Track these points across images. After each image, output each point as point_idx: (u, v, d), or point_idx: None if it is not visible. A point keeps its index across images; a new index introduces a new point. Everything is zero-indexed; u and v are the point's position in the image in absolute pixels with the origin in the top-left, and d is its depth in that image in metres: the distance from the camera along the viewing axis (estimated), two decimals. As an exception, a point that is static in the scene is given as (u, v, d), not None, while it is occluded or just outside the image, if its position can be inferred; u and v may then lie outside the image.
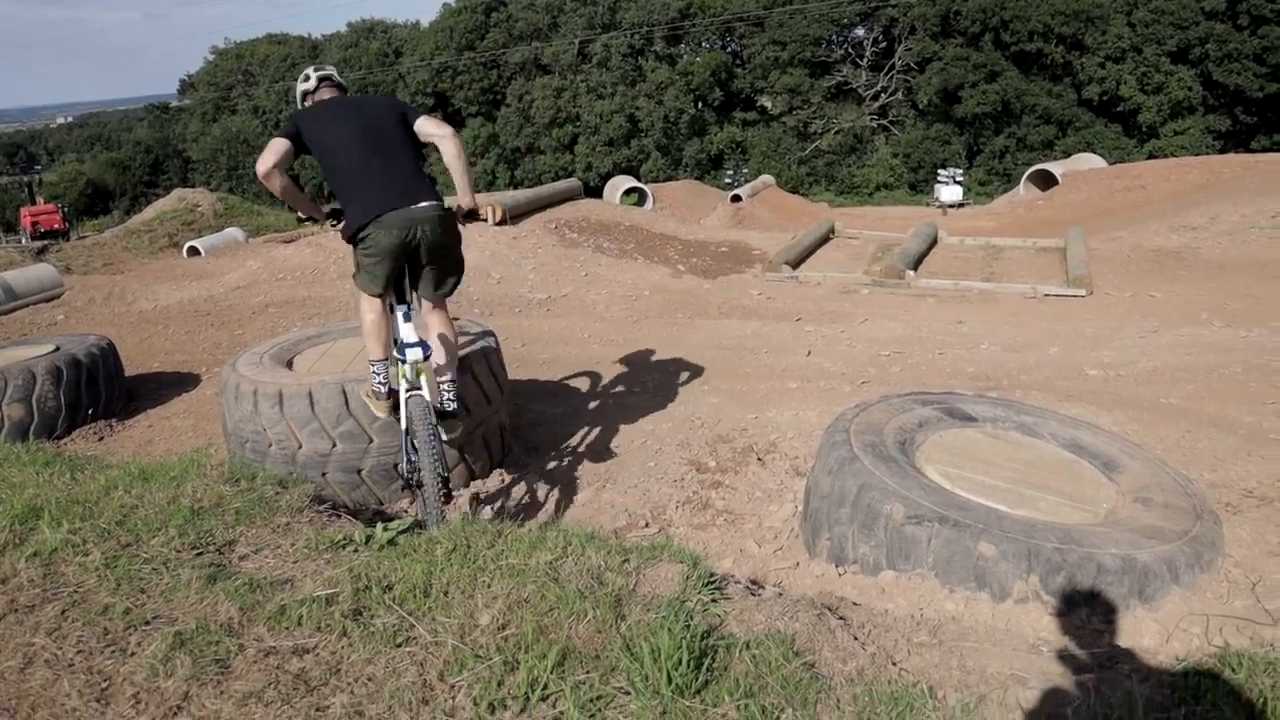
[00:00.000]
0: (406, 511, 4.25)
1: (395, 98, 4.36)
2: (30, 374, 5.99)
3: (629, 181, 25.39)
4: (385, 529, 2.88)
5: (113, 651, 2.30)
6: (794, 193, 41.54)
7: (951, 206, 39.12)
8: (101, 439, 6.15)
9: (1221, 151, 44.65)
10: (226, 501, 3.13)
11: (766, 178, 25.91)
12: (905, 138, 52.72)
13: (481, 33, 58.04)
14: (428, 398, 3.78)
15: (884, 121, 55.08)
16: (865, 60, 54.65)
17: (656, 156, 54.05)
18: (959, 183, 42.33)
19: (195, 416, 6.34)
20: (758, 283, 10.91)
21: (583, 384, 6.16)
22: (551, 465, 4.78)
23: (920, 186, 50.26)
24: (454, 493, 3.93)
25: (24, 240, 24.78)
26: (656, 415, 5.38)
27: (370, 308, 3.97)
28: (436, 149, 4.08)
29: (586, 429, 5.26)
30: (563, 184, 15.54)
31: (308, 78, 4.29)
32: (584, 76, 56.35)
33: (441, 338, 4.05)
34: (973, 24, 49.01)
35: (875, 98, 55.21)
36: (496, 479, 4.61)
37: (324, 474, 4.15)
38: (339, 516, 3.22)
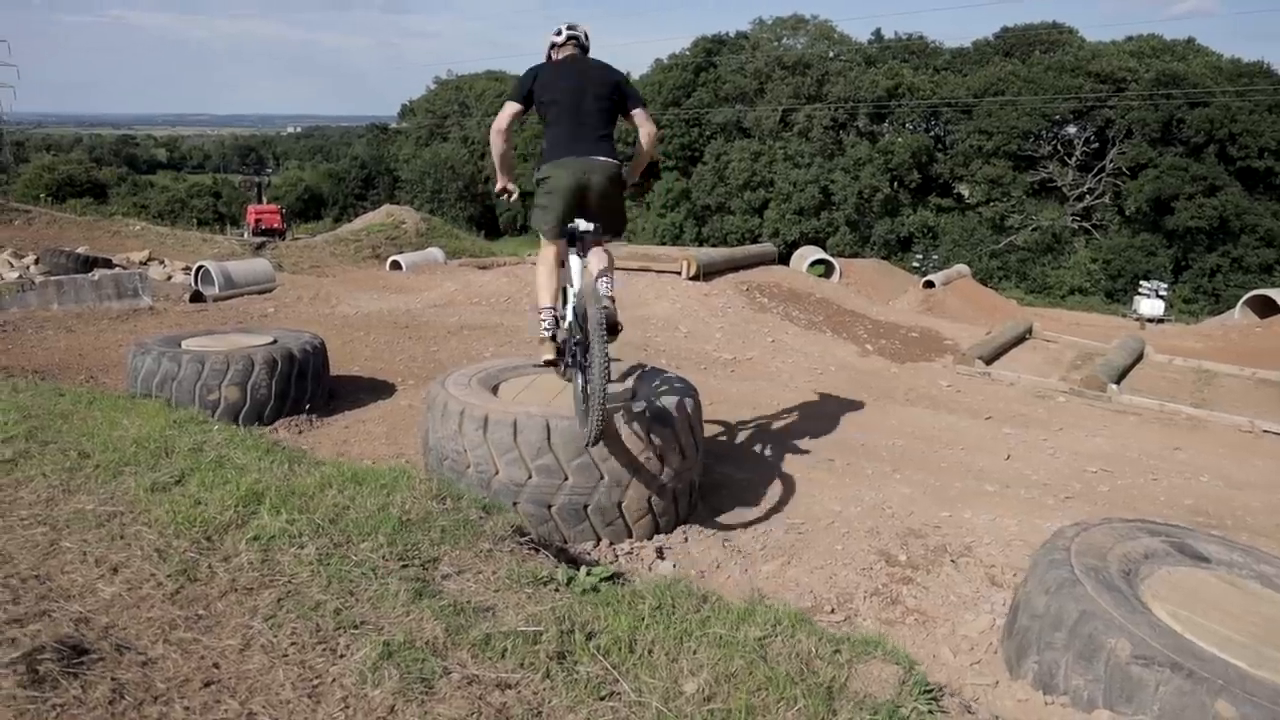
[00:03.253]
0: (589, 553, 4.23)
1: (620, 75, 4.76)
2: (250, 361, 6.35)
3: (817, 252, 25.21)
4: (589, 573, 2.84)
5: (324, 650, 2.33)
6: (984, 285, 40.36)
7: (1151, 321, 37.05)
8: (301, 432, 6.44)
9: None
10: (433, 518, 3.17)
11: (962, 267, 25.20)
12: (1107, 243, 50.44)
13: (688, 90, 59.43)
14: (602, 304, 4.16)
15: (1086, 224, 52.95)
16: (1074, 159, 52.81)
17: (845, 231, 53.67)
18: (1162, 296, 40.12)
19: (389, 425, 6.55)
20: (947, 374, 10.52)
21: (768, 451, 6.03)
22: (735, 530, 4.67)
23: (1118, 296, 47.84)
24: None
25: (245, 235, 26.73)
26: (845, 496, 5.19)
27: (543, 259, 4.71)
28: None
29: (771, 498, 5.13)
30: (757, 248, 15.56)
31: (559, 32, 4.85)
32: (783, 144, 56.75)
33: (598, 254, 4.60)
34: (1196, 134, 46.70)
35: (1080, 198, 53.21)
36: (679, 535, 4.53)
37: (515, 503, 4.18)
38: (537, 551, 3.20)
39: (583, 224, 4.61)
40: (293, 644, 2.35)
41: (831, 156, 56.45)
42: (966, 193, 57.31)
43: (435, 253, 19.85)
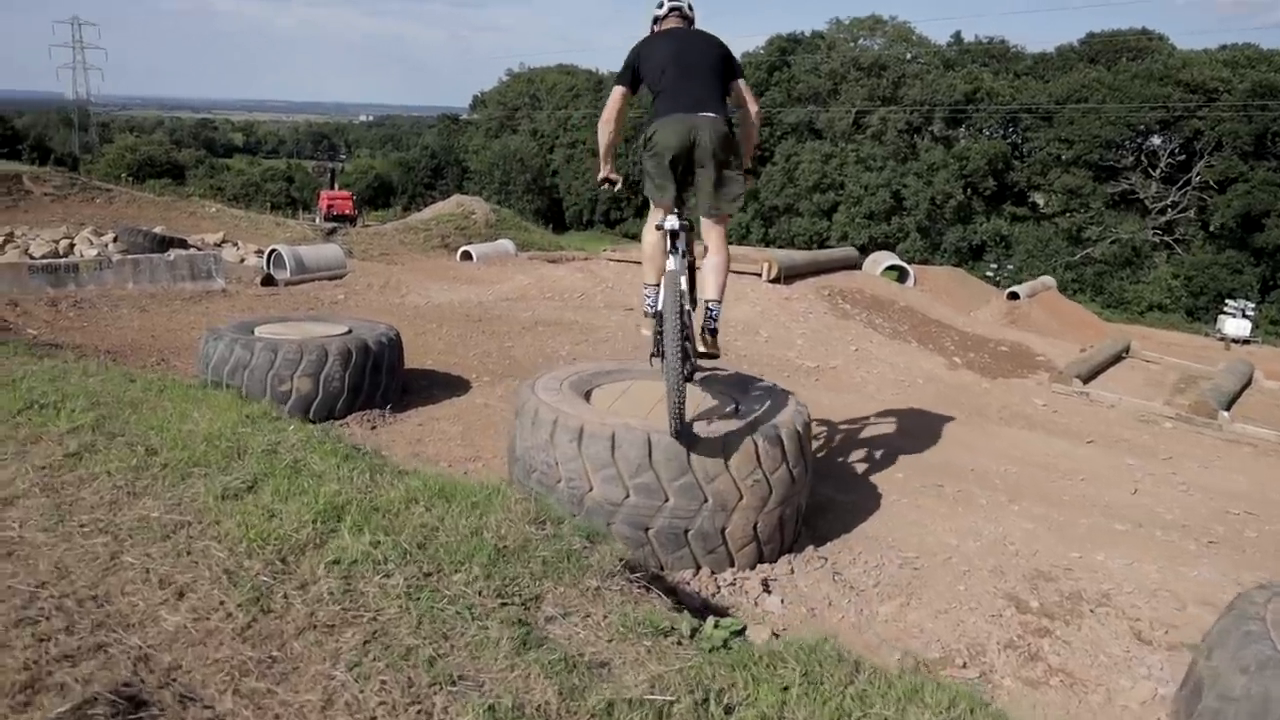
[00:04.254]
0: (688, 582, 3.84)
1: (726, 46, 4.54)
2: (324, 351, 6.08)
3: (891, 258, 24.53)
4: (718, 626, 2.45)
5: (419, 713, 1.98)
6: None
7: (1237, 341, 35.67)
8: (374, 428, 6.15)
9: None
10: (532, 547, 2.81)
11: (1047, 279, 24.32)
12: (1190, 259, 48.76)
13: (761, 90, 58.66)
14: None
15: (1168, 238, 51.27)
16: (1158, 171, 51.14)
17: (916, 237, 52.65)
18: (1248, 316, 38.62)
19: (464, 424, 6.24)
20: (1041, 391, 9.95)
21: (870, 472, 5.60)
22: (844, 562, 4.25)
23: (1199, 314, 46.22)
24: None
25: (317, 220, 26.82)
26: (961, 529, 4.74)
27: (649, 230, 4.41)
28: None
29: (880, 527, 4.70)
30: (839, 251, 15.03)
31: (661, 4, 4.62)
32: (855, 146, 55.85)
33: (714, 265, 4.40)
34: (1293, 148, 44.89)
35: (1162, 211, 51.53)
36: (784, 565, 4.13)
37: (609, 524, 3.81)
38: (648, 590, 2.82)
39: (670, 221, 4.24)
40: (381, 703, 2.00)
41: (904, 160, 55.39)
42: (1042, 202, 55.89)
43: (506, 244, 19.61)
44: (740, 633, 2.50)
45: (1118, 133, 49.88)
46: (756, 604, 3.79)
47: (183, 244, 19.32)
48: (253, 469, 3.28)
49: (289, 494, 3.03)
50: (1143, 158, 51.34)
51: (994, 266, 45.35)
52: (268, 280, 14.49)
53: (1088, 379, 10.48)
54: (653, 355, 4.60)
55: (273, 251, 17.02)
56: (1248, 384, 11.18)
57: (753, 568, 4.07)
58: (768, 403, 4.41)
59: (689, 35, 4.53)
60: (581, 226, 65.58)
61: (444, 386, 7.27)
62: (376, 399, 6.42)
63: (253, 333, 6.42)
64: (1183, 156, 50.18)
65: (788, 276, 12.38)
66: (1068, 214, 52.27)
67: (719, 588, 3.86)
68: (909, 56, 57.33)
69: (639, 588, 2.78)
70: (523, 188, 64.06)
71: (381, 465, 3.46)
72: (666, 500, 3.82)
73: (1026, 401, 9.44)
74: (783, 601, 3.82)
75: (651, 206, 4.43)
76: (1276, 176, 45.25)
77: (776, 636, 3.46)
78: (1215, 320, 40.75)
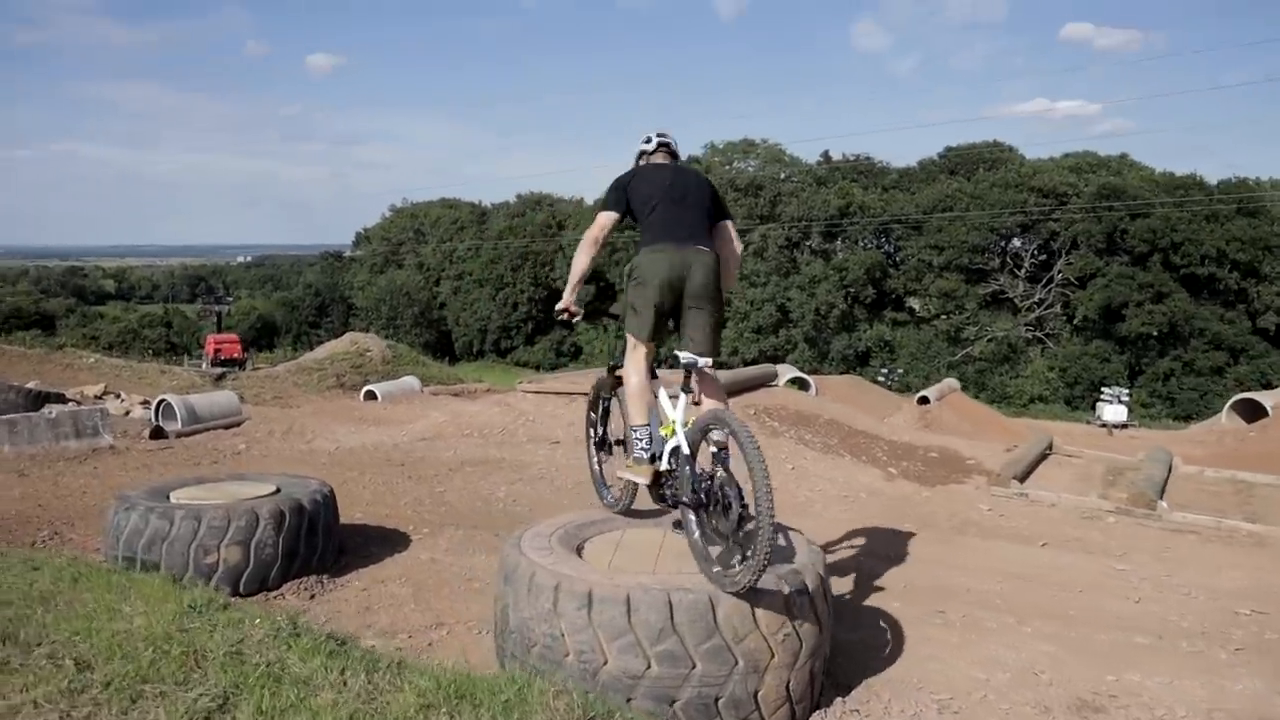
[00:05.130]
0: (726, 762, 3.38)
1: (714, 186, 4.59)
2: (254, 516, 5.46)
3: (792, 370, 24.82)
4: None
5: None
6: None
7: (1116, 427, 37.13)
8: (313, 596, 5.52)
9: None
10: (592, 756, 2.35)
11: (952, 381, 24.97)
12: (1063, 352, 51.15)
13: (643, 213, 59.97)
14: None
15: (1039, 333, 53.74)
16: (1023, 271, 53.94)
17: (804, 347, 53.90)
18: (1124, 402, 40.37)
19: (414, 585, 5.66)
20: (982, 496, 9.86)
21: (864, 603, 5.25)
22: (879, 714, 3.85)
23: (1076, 403, 48.26)
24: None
25: (204, 365, 25.71)
26: (981, 659, 4.41)
27: (634, 370, 4.28)
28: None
29: (899, 666, 4.33)
30: (757, 369, 15.01)
31: (649, 140, 4.67)
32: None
33: (715, 392, 4.24)
34: (1140, 243, 48.04)
35: (1031, 309, 54.13)
36: (819, 727, 3.70)
37: (630, 699, 3.34)
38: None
39: (686, 356, 4.00)
40: None
41: (787, 274, 57.05)
42: (918, 306, 58.08)
43: (411, 381, 19.02)
44: None
45: (983, 237, 52.59)
46: (805, 777, 3.35)
47: (60, 399, 18.01)
48: (220, 681, 2.73)
49: (277, 713, 2.49)
50: (1008, 259, 54.14)
51: (884, 371, 46.58)
52: (157, 433, 13.55)
53: (1023, 479, 10.47)
54: (619, 498, 4.64)
55: (161, 401, 16.00)
56: (1169, 470, 11.37)
57: (787, 732, 3.63)
58: (779, 545, 4.05)
59: (680, 170, 4.55)
60: (472, 357, 64.99)
61: (381, 542, 6.66)
62: (313, 564, 5.79)
63: (168, 499, 5.76)
64: (1043, 256, 53.12)
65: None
66: (945, 316, 54.42)
67: (759, 761, 3.41)
68: (783, 176, 59.72)
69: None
70: (411, 321, 63.38)
71: (376, 661, 2.94)
72: (694, 667, 3.38)
73: (971, 508, 9.33)
74: (832, 772, 3.38)
75: (630, 345, 4.34)
76: (1130, 270, 48.19)
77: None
78: (1094, 408, 42.53)
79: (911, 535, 7.44)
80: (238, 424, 14.87)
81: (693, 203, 4.31)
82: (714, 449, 3.78)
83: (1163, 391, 47.80)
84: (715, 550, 3.67)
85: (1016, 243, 54.72)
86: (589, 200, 66.79)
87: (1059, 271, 52.01)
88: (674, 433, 4.04)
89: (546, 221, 64.67)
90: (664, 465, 4.13)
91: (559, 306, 4.74)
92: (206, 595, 3.67)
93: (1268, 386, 43.66)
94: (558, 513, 7.71)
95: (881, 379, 42.60)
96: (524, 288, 62.81)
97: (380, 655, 3.08)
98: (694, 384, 4.18)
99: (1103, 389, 43.16)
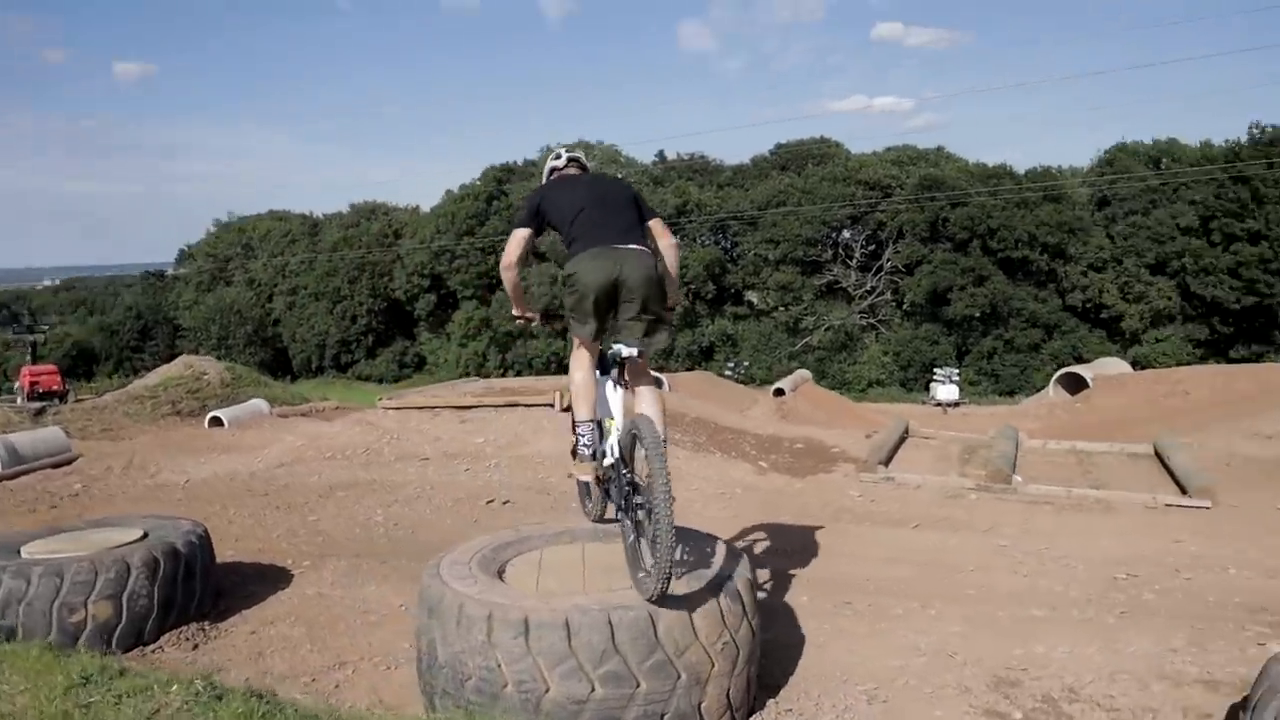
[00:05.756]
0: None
1: (633, 187, 4.64)
2: (125, 566, 5.04)
3: (646, 369, 25.02)
4: None
5: None
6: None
7: (949, 405, 39.16)
8: (196, 647, 5.14)
9: (1202, 359, 45.62)
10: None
11: (804, 373, 25.71)
12: (895, 336, 53.55)
13: (481, 219, 59.30)
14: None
15: (873, 320, 56.04)
16: (855, 261, 56.11)
17: (650, 345, 54.29)
18: (955, 381, 42.61)
19: (305, 623, 5.35)
20: (851, 483, 10.17)
21: (773, 601, 5.29)
22: (811, 711, 3.88)
23: (910, 384, 50.67)
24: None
25: (19, 400, 23.71)
26: (897, 646, 4.52)
27: (579, 365, 4.25)
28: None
29: (820, 661, 4.40)
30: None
31: (559, 155, 4.68)
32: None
33: (650, 392, 4.21)
34: (961, 230, 50.75)
35: (864, 297, 56.40)
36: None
37: (574, 726, 3.24)
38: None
39: (624, 349, 4.04)
40: None
41: (629, 274, 57.38)
42: (757, 300, 59.58)
43: (259, 404, 18.08)
44: None
45: (815, 230, 54.40)
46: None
47: None
48: (146, 760, 2.47)
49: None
50: (840, 250, 56.19)
51: (730, 365, 47.59)
52: (-25, 479, 12.40)
53: (887, 463, 10.86)
54: (593, 504, 4.56)
55: (-23, 445, 14.68)
56: (1018, 446, 12.03)
57: (724, 748, 3.60)
58: (705, 551, 4.03)
59: (598, 176, 4.61)
60: (312, 374, 62.56)
61: (260, 580, 6.27)
62: (191, 611, 5.40)
63: (19, 554, 5.25)
64: (872, 246, 55.39)
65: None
66: (783, 308, 56.02)
67: (708, 775, 3.37)
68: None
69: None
70: (244, 340, 60.46)
71: (324, 717, 2.72)
72: (638, 686, 3.31)
73: (843, 495, 9.59)
74: (779, 779, 3.38)
75: (575, 343, 4.32)
76: (952, 256, 50.86)
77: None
78: (927, 388, 44.78)
79: (796, 528, 7.59)
80: (68, 462, 13.77)
81: (618, 204, 4.27)
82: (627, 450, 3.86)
83: (988, 369, 50.70)
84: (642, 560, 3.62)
85: (847, 234, 56.80)
86: (425, 207, 65.44)
87: (888, 260, 54.37)
88: (613, 431, 4.05)
89: (383, 230, 62.88)
90: (608, 462, 4.09)
91: (515, 314, 4.77)
92: (97, 662, 3.33)
93: (1080, 360, 47.07)
94: (441, 534, 7.53)
95: (728, 373, 43.53)
96: (362, 299, 60.91)
97: (317, 709, 2.88)
98: (625, 376, 4.22)
99: (934, 370, 45.50)
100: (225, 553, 7.04)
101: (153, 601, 5.12)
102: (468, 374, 58.28)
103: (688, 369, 43.92)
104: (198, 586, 5.46)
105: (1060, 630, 4.67)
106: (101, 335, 60.32)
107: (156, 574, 5.14)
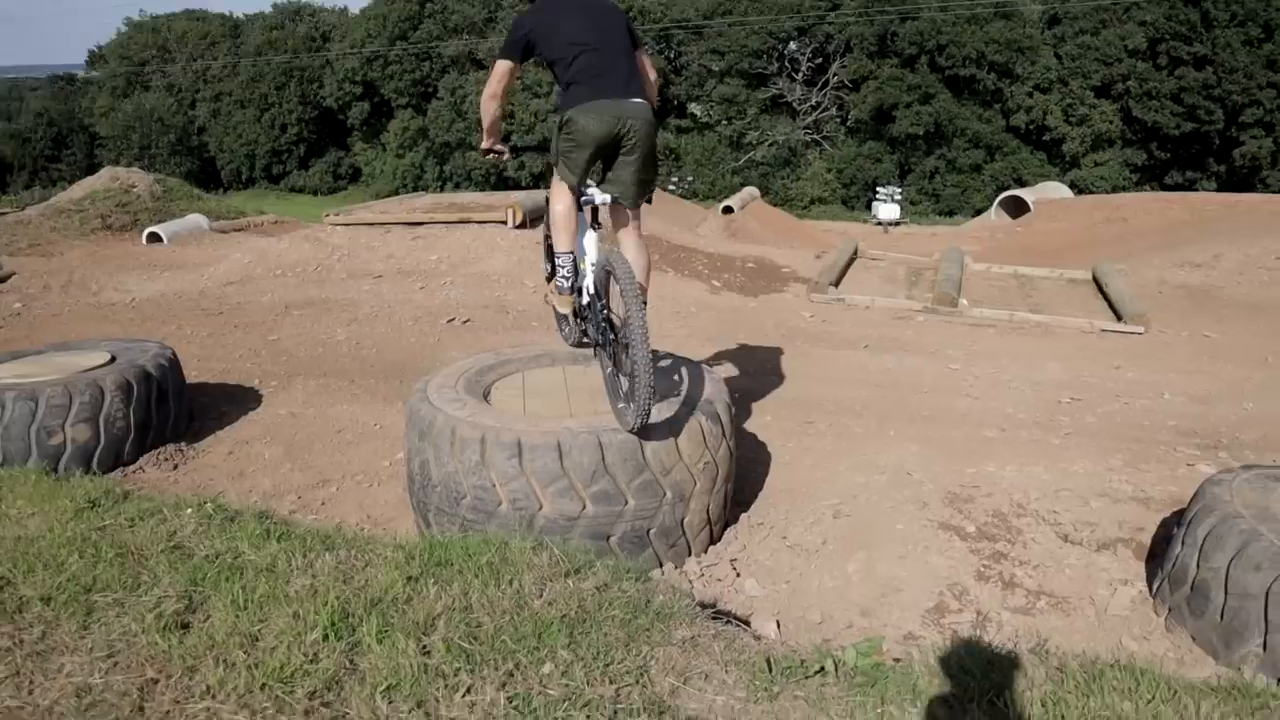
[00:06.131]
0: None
1: (625, 14, 4.32)
2: (98, 389, 5.04)
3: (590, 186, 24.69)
4: (859, 652, 2.22)
5: None
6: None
7: (890, 224, 39.53)
8: (176, 467, 5.24)
9: (1138, 185, 46.42)
10: (593, 607, 2.42)
11: (753, 190, 25.52)
12: (839, 154, 53.17)
13: (415, 23, 56.36)
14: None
15: (817, 136, 55.43)
16: (800, 75, 54.90)
17: (594, 160, 53.31)
18: (897, 201, 42.86)
19: (283, 443, 5.46)
20: (802, 303, 10.40)
21: (743, 424, 5.51)
22: (780, 523, 4.14)
23: (852, 203, 50.82)
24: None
25: (-64, 215, 22.68)
26: (859, 465, 4.78)
27: (560, 198, 4.12)
28: None
29: (786, 477, 4.65)
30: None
31: None
32: (520, 74, 55.24)
33: (635, 242, 4.25)
34: (910, 46, 49.69)
35: (808, 112, 55.54)
36: (736, 543, 3.96)
37: (566, 539, 3.43)
38: (730, 623, 2.52)
39: (602, 195, 4.03)
40: None
41: (570, 84, 55.60)
42: (700, 112, 58.33)
43: (198, 219, 17.51)
44: (873, 653, 2.28)
45: (762, 42, 52.82)
46: (737, 591, 3.59)
47: None
48: (176, 580, 2.58)
49: (254, 606, 2.40)
50: (786, 63, 54.80)
51: (675, 180, 47.07)
52: (-98, 298, 12.04)
53: (837, 284, 11.07)
54: (570, 330, 4.50)
55: (-99, 263, 14.14)
56: (963, 269, 12.31)
57: (705, 552, 3.86)
58: (684, 375, 4.16)
59: (594, 6, 4.08)
60: (242, 185, 60.51)
61: (229, 401, 6.32)
62: (167, 433, 5.47)
63: (-13, 379, 5.22)
64: (819, 60, 54.04)
65: (532, 220, 12.00)
66: (727, 122, 55.00)
67: (691, 582, 3.62)
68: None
69: (722, 623, 2.48)
70: (168, 150, 57.85)
71: (331, 536, 2.86)
72: (626, 504, 3.49)
73: (796, 315, 9.82)
74: (758, 582, 3.64)
75: (555, 179, 4.19)
76: (900, 73, 49.99)
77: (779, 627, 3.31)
78: (869, 207, 45.04)
79: (754, 348, 7.78)
80: (1, 279, 13.41)
81: (617, 45, 4.02)
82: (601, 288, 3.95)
83: (929, 189, 50.89)
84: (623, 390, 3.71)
85: (794, 46, 55.29)
86: (354, 9, 61.88)
87: (834, 75, 53.26)
88: (588, 270, 4.10)
89: (309, 34, 59.55)
90: (584, 299, 4.14)
91: (483, 148, 4.59)
92: (101, 485, 3.40)
93: (1020, 182, 47.40)
94: (406, 353, 7.62)
95: (672, 187, 43.15)
96: (292, 107, 58.28)
97: (328, 530, 3.00)
98: (604, 219, 4.21)
99: (877, 189, 45.64)
100: (190, 374, 6.96)
101: (129, 424, 5.16)
102: (405, 186, 56.91)
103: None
104: (171, 408, 5.50)
105: (1009, 450, 4.98)
106: (13, 143, 57.24)
107: (131, 397, 5.16)
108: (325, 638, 2.22)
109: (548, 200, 4.45)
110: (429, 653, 2.17)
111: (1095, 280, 11.66)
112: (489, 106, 4.32)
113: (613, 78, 3.90)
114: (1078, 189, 44.93)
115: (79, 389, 4.99)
